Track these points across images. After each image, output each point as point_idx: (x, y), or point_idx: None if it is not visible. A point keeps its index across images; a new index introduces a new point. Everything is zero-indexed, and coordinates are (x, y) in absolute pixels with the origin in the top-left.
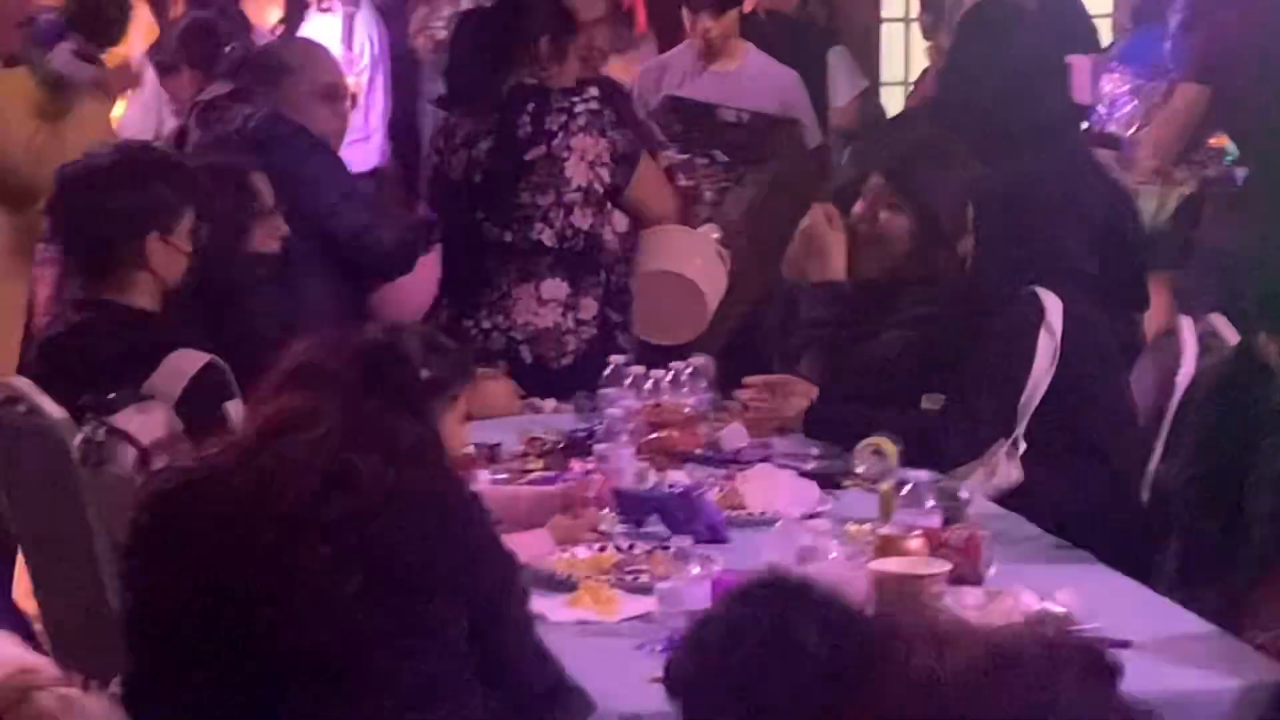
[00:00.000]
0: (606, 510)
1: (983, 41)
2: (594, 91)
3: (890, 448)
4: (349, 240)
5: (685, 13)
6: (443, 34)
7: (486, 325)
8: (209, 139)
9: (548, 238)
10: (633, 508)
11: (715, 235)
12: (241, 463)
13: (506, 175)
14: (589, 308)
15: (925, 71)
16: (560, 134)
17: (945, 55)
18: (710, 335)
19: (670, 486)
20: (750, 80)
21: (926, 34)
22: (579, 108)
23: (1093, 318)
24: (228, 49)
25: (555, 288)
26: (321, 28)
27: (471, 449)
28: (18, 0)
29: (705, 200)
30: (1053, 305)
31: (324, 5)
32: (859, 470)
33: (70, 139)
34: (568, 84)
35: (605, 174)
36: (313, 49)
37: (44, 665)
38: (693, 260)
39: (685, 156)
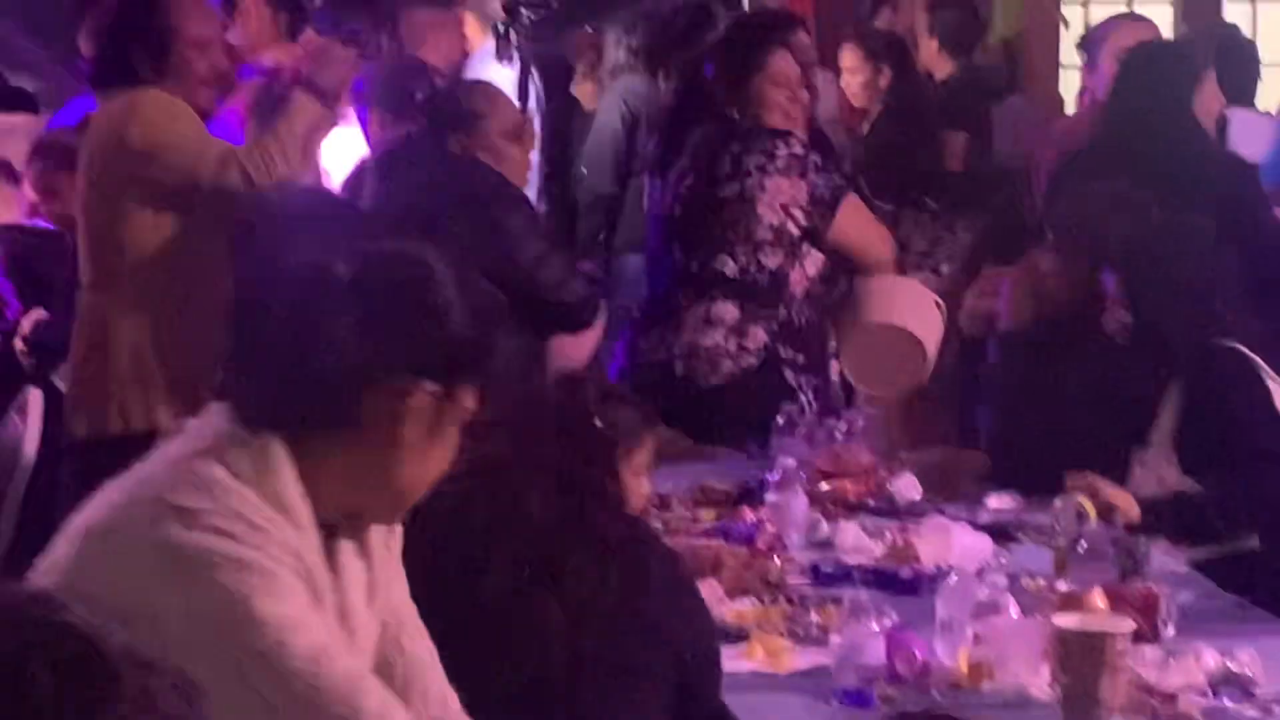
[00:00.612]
0: (778, 561)
1: (1144, 83)
2: (799, 137)
3: (1092, 508)
4: (548, 293)
5: None
6: (610, 80)
7: (654, 342)
8: (400, 186)
9: (730, 270)
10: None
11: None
12: (450, 507)
13: (701, 208)
14: (756, 337)
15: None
16: (756, 174)
17: (1108, 95)
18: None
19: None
20: None
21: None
22: (780, 150)
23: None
24: (416, 94)
25: (724, 310)
26: (495, 77)
27: None
28: (206, 59)
29: (915, 250)
30: (1250, 355)
31: (504, 56)
32: (1058, 528)
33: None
34: (772, 125)
35: (801, 217)
36: (494, 91)
37: None
38: (916, 314)
39: (891, 207)
